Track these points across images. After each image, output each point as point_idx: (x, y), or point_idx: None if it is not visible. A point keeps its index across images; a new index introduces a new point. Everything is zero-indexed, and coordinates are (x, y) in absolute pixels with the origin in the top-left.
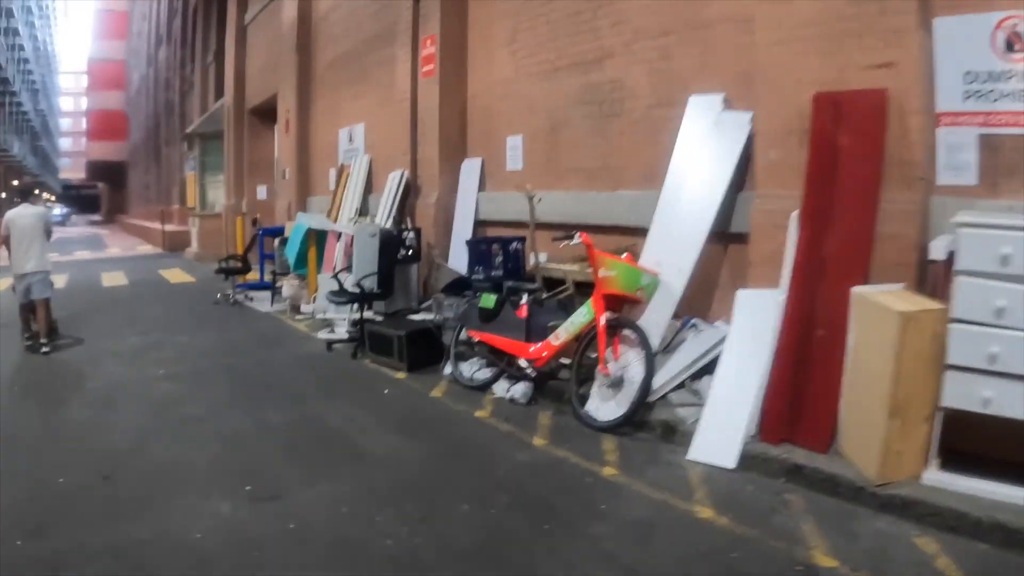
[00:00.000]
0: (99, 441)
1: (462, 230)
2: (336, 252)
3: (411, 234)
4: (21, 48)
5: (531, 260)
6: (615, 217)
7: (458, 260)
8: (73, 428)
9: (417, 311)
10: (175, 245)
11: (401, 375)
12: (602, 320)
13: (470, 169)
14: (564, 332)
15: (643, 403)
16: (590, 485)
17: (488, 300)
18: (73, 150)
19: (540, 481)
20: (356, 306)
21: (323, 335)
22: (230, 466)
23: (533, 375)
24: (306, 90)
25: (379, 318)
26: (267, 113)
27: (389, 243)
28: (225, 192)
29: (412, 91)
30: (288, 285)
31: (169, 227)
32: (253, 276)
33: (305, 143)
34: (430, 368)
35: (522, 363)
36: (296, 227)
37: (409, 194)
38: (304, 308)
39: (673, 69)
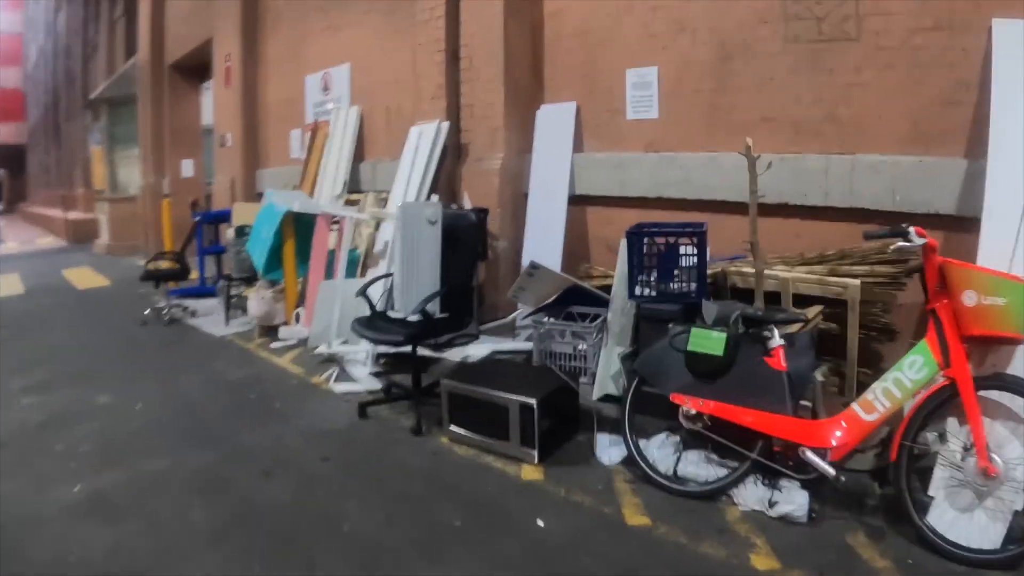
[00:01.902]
0: None
1: (544, 212)
2: (332, 247)
3: (474, 217)
4: None
5: (756, 259)
6: (858, 196)
7: (538, 256)
8: None
9: (476, 336)
10: (81, 236)
11: (531, 473)
12: (967, 379)
13: (555, 119)
14: (884, 399)
15: None
16: None
17: (709, 341)
18: None
19: None
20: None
21: (339, 387)
22: None
23: (838, 477)
24: (254, 27)
25: (426, 352)
26: (193, 69)
27: (459, 234)
28: (141, 170)
29: (449, 5)
30: (257, 298)
31: (73, 215)
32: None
33: (253, 98)
34: (565, 449)
35: (810, 455)
36: (264, 211)
37: (446, 158)
38: (283, 332)
39: None
